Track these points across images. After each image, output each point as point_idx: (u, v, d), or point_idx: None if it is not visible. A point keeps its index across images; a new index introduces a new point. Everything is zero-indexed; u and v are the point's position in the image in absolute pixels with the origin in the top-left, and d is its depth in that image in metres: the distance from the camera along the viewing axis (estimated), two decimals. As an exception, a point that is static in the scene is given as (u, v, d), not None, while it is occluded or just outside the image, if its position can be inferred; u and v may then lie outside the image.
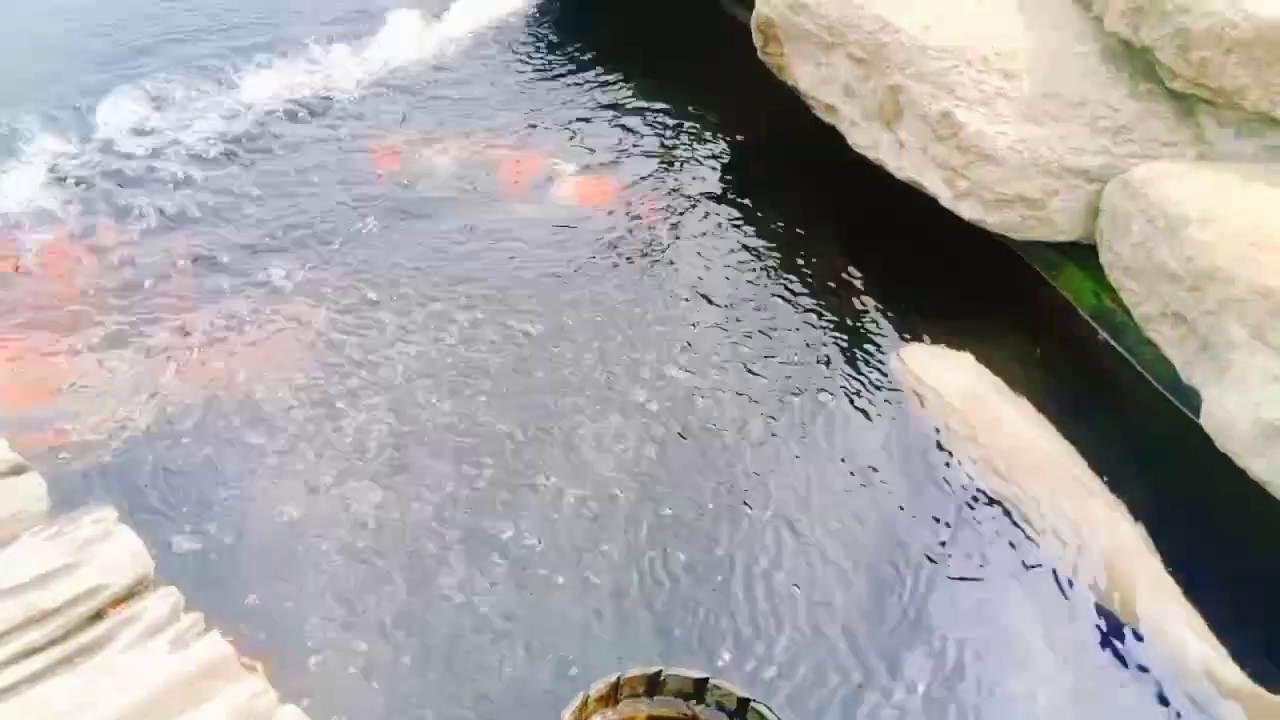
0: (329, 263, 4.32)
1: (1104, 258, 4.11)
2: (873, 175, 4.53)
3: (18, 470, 2.47)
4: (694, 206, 4.76)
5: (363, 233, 4.48)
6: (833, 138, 4.64)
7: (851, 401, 3.95)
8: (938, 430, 3.74)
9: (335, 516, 3.31)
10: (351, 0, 6.02)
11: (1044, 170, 4.12)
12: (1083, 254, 4.27)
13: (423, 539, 3.30)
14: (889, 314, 4.34)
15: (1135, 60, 4.25)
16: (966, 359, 4.01)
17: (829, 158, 4.68)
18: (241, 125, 4.97)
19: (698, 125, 5.26)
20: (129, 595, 2.36)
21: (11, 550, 2.35)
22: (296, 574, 3.15)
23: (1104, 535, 3.38)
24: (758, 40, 4.87)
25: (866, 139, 4.53)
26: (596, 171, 4.86)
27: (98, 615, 2.32)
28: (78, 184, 4.54)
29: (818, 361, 4.11)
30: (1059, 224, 4.20)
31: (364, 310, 4.12)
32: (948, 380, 3.89)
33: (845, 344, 4.20)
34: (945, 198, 4.27)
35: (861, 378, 4.05)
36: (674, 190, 4.82)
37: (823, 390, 3.98)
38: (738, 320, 4.25)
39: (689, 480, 3.55)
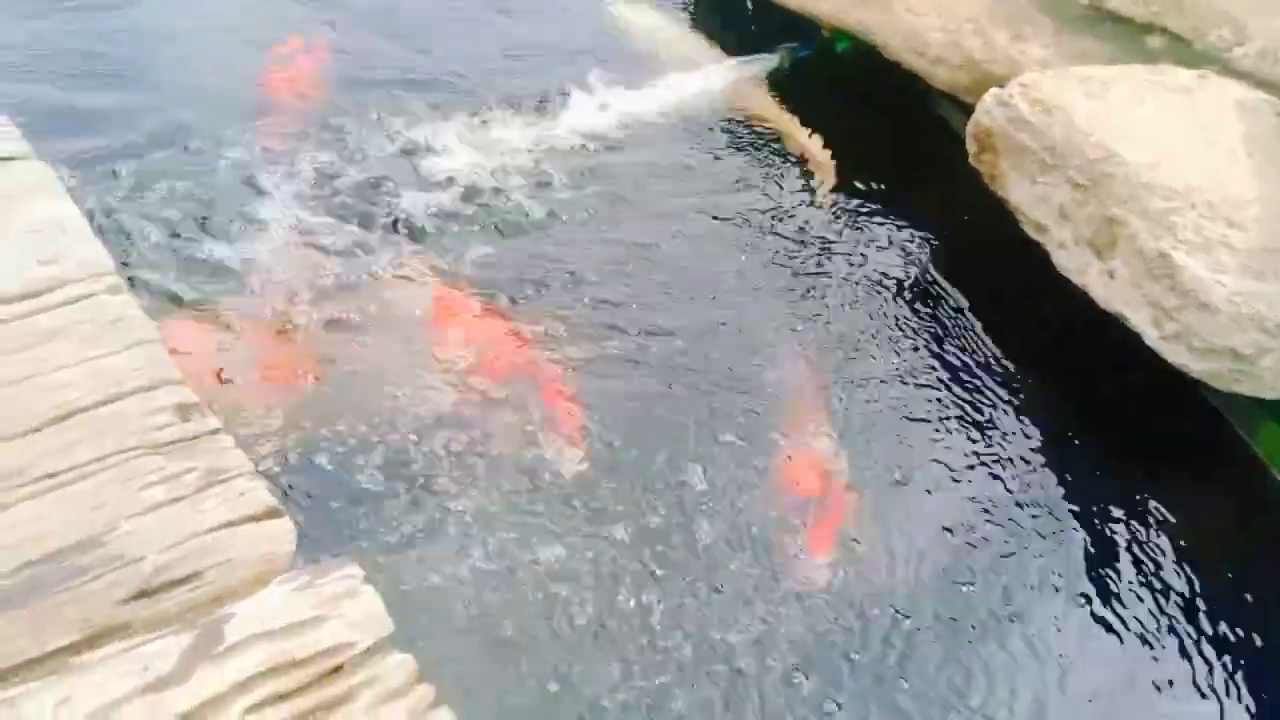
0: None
1: (1310, 423, 3.98)
2: (1069, 296, 4.46)
3: (272, 513, 2.51)
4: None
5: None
6: (1038, 256, 4.57)
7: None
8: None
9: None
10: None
11: (1259, 326, 4.00)
12: (1283, 410, 4.14)
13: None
14: (1066, 445, 4.30)
15: (1368, 227, 4.11)
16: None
17: (1031, 274, 4.62)
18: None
19: (907, 240, 5.19)
20: (367, 655, 2.38)
21: (265, 595, 2.38)
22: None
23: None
24: (971, 147, 4.83)
25: (1074, 263, 4.46)
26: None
27: (337, 670, 2.34)
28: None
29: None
30: (1267, 381, 4.09)
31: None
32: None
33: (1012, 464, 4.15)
34: (1151, 337, 4.18)
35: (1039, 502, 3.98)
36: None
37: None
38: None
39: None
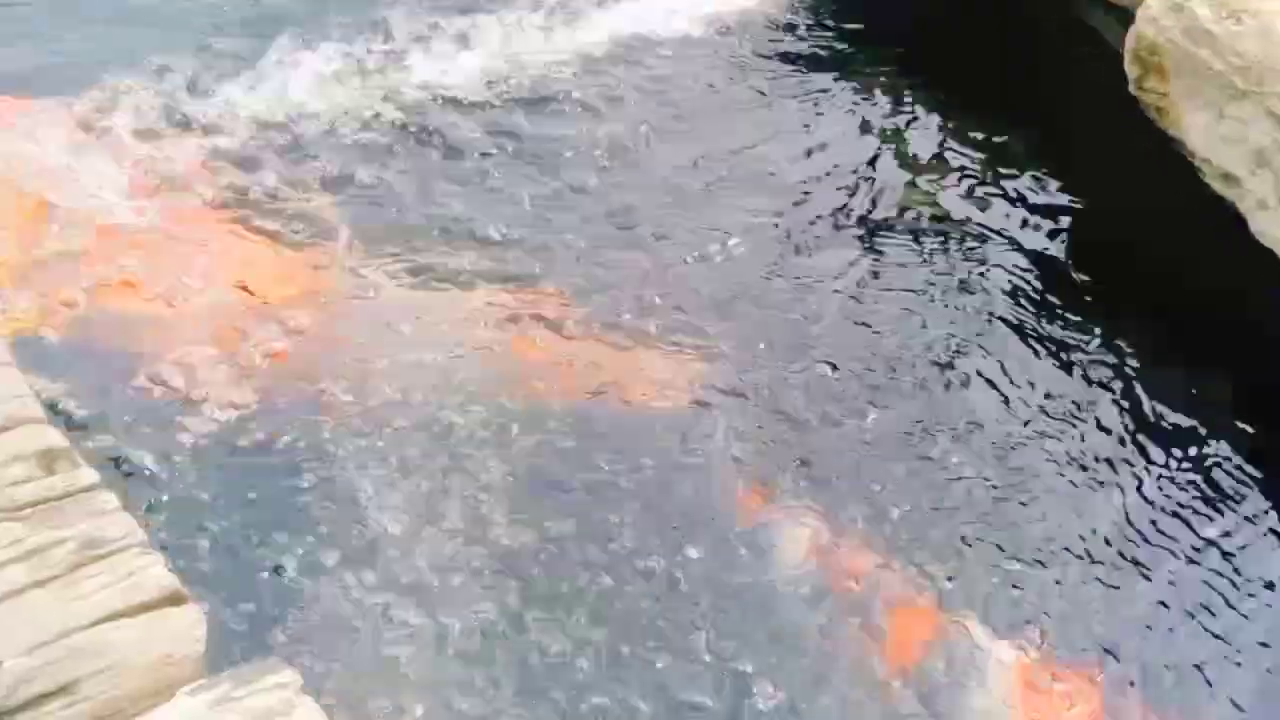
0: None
1: None
2: (1273, 274, 4.40)
3: (174, 599, 2.48)
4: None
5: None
6: (1228, 221, 4.51)
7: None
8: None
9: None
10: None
11: None
12: None
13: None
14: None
15: None
16: None
17: (1216, 252, 4.59)
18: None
19: (1043, 203, 5.12)
20: (311, 795, 2.33)
21: (165, 714, 2.33)
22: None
23: None
24: (1133, 70, 4.78)
25: (1279, 229, 4.36)
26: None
27: (269, 818, 2.30)
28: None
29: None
30: None
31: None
32: None
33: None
34: (1390, 327, 4.11)
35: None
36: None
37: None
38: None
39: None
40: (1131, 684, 3.64)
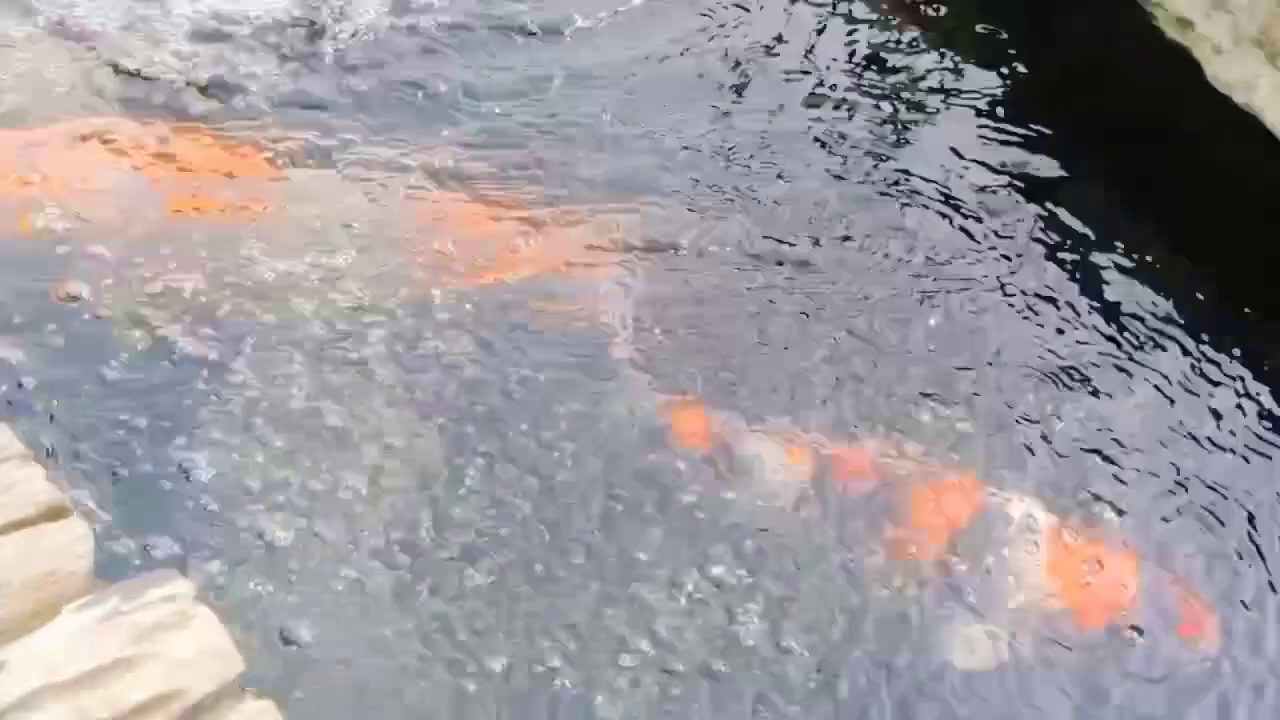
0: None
1: None
2: (1233, 125, 4.35)
3: (57, 513, 2.43)
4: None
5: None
6: (1183, 67, 4.49)
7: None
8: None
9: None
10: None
11: None
12: None
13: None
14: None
15: None
16: None
17: (1173, 100, 4.55)
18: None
19: (987, 62, 5.05)
20: (208, 708, 2.31)
21: (51, 632, 2.30)
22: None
23: None
24: None
25: (1235, 73, 4.36)
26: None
27: (165, 733, 2.27)
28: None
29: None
30: None
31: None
32: None
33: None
34: (1351, 172, 4.09)
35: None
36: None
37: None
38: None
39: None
40: (1167, 558, 3.65)
